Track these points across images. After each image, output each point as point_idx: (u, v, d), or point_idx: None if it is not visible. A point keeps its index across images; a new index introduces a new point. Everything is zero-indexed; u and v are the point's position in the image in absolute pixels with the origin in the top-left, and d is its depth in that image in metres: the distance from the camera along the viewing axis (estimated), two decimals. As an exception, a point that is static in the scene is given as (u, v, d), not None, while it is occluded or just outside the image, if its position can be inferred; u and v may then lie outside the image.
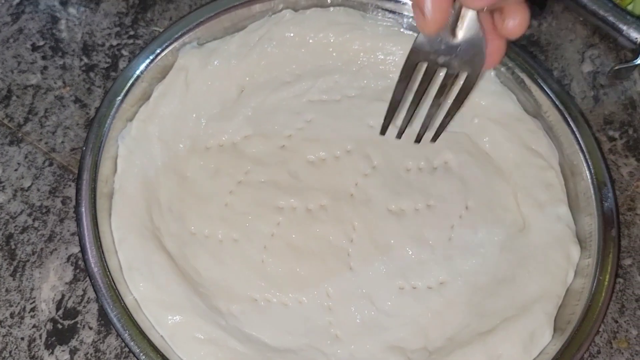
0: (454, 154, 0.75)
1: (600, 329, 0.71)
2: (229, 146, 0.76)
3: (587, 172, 0.72)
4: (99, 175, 0.70)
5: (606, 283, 0.67)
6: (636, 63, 0.81)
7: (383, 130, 0.65)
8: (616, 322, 0.72)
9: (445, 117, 0.63)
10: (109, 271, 0.66)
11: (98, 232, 0.68)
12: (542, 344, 0.66)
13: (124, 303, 0.65)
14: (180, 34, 0.77)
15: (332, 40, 0.80)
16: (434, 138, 0.66)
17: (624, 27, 0.81)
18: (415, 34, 0.79)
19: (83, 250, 0.67)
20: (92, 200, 0.69)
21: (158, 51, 0.76)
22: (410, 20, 0.80)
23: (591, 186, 0.72)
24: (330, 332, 0.68)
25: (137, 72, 0.75)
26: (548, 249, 0.70)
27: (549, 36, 0.87)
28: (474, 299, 0.70)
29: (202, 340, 0.65)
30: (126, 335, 0.64)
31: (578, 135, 0.74)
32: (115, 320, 0.64)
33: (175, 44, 0.77)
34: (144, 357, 0.63)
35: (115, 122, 0.73)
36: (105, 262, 0.66)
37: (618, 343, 0.72)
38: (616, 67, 0.82)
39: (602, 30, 0.85)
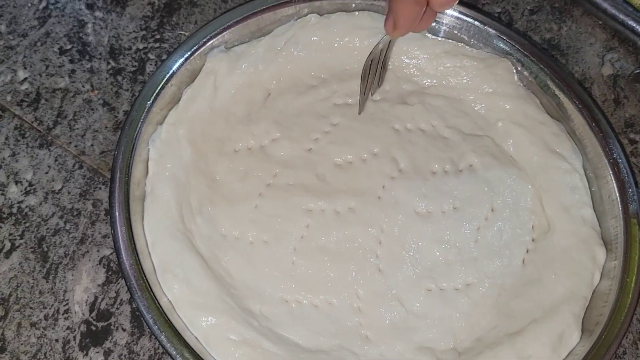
0: (479, 157, 0.76)
1: (626, 330, 0.72)
2: (257, 149, 0.77)
3: (611, 175, 0.73)
4: (132, 178, 0.71)
5: (632, 285, 0.68)
6: (656, 67, 0.82)
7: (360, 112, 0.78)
8: (640, 322, 0.74)
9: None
10: (143, 273, 0.67)
11: (132, 235, 0.68)
12: (570, 345, 0.67)
13: (159, 305, 0.66)
14: (208, 37, 0.78)
15: (357, 44, 0.81)
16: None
17: (644, 31, 0.82)
18: (439, 38, 0.81)
19: (118, 252, 0.67)
20: (126, 203, 0.69)
21: (187, 55, 0.77)
22: (434, 24, 0.81)
23: (615, 189, 0.73)
24: (360, 333, 0.69)
25: (167, 76, 0.75)
26: (574, 251, 0.71)
27: (569, 40, 0.88)
28: (501, 300, 0.71)
29: (237, 341, 0.66)
30: (162, 337, 0.64)
31: (601, 138, 0.75)
32: (151, 322, 0.65)
33: (204, 48, 0.78)
34: (180, 358, 0.64)
35: (145, 126, 0.74)
36: (140, 264, 0.67)
37: (643, 343, 0.73)
38: (636, 71, 0.84)
39: (622, 34, 0.86)
